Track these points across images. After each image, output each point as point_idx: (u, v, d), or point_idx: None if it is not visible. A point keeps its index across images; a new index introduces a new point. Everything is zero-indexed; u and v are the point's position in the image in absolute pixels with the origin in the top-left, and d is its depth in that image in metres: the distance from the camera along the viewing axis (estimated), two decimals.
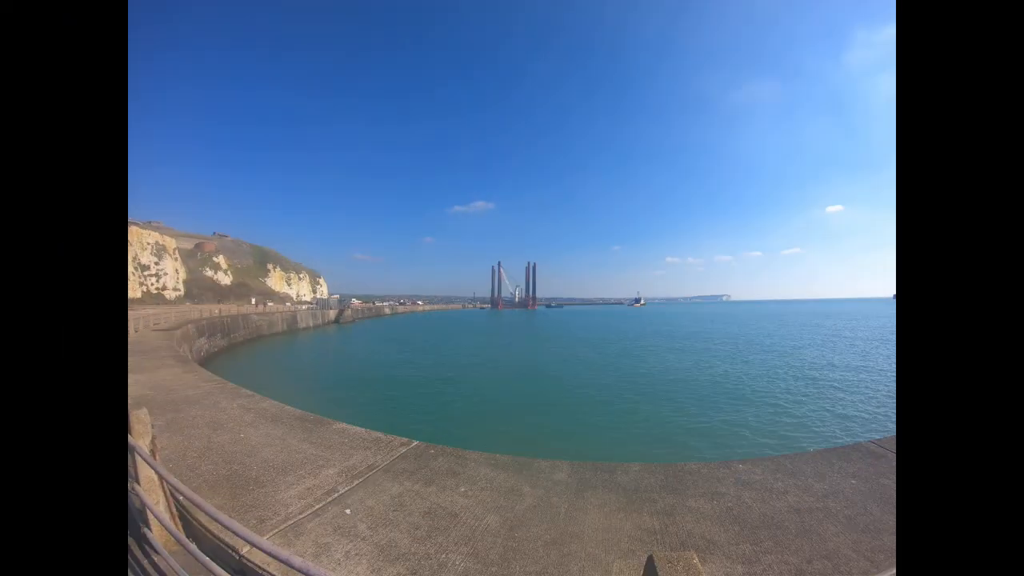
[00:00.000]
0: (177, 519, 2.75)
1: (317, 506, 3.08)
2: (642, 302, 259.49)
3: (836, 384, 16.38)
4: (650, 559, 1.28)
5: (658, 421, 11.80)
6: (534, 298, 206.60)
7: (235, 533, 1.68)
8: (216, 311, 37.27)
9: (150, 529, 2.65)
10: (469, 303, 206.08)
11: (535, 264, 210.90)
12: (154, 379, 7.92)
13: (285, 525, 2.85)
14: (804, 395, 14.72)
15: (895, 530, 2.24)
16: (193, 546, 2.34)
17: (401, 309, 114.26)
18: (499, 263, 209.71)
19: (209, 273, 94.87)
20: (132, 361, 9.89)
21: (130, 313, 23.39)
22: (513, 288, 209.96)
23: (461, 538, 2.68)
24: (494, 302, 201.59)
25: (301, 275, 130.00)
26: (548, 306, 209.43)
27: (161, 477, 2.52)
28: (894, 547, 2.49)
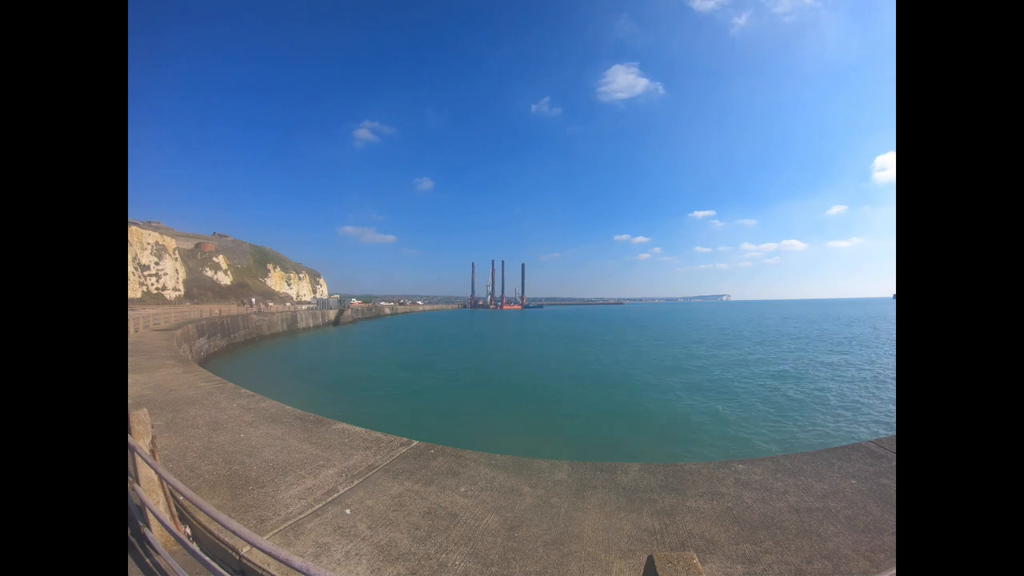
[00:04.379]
0: (177, 519, 2.75)
1: (317, 506, 3.08)
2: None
3: None
4: (650, 559, 1.27)
5: None
6: (504, 297, 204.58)
7: (235, 533, 1.68)
8: (217, 311, 37.27)
9: (150, 529, 2.65)
10: (468, 303, 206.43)
11: (504, 261, 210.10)
12: (154, 379, 7.91)
13: (285, 525, 2.84)
14: None
15: (895, 530, 2.24)
16: (193, 546, 2.34)
17: (401, 309, 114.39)
18: (474, 264, 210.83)
19: (209, 273, 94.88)
20: (132, 361, 9.89)
21: (130, 313, 23.38)
22: (489, 288, 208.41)
23: (461, 538, 2.68)
24: (474, 303, 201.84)
25: (301, 275, 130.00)
26: (528, 306, 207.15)
27: (161, 477, 2.52)
28: (894, 547, 2.49)
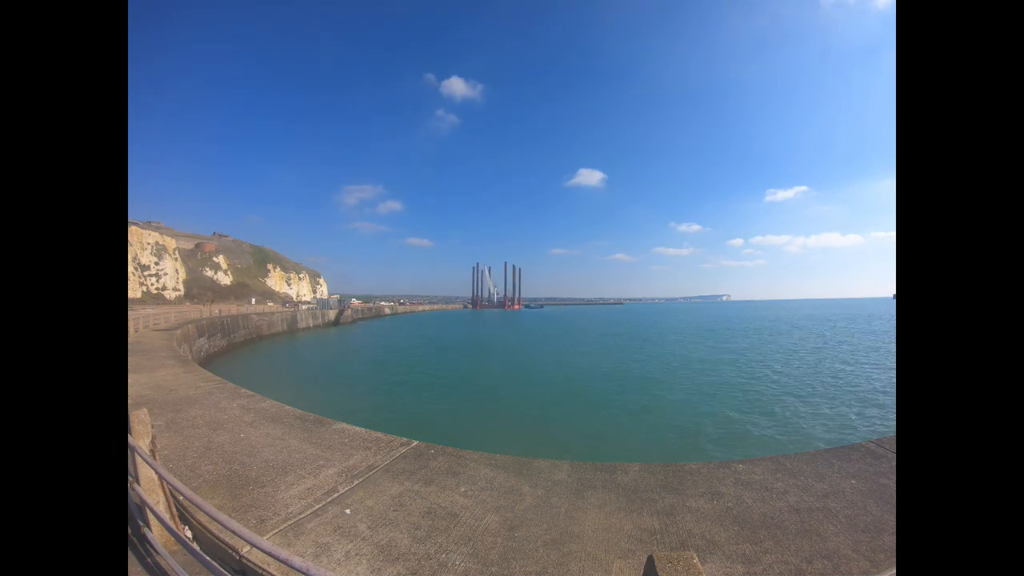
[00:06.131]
0: (177, 519, 2.75)
1: (317, 506, 3.08)
2: None
3: None
4: (650, 559, 1.28)
5: None
6: (515, 298, 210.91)
7: (235, 533, 1.68)
8: (217, 311, 37.29)
9: (150, 529, 2.65)
10: (468, 304, 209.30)
11: (515, 266, 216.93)
12: (154, 379, 7.91)
13: (285, 525, 2.85)
14: None
15: (895, 530, 2.24)
16: (193, 546, 2.34)
17: (401, 309, 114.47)
18: (478, 264, 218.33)
19: (209, 273, 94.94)
20: (132, 361, 9.89)
21: (130, 313, 23.37)
22: (493, 288, 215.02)
23: (461, 538, 2.68)
24: (475, 302, 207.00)
25: (301, 275, 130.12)
26: (528, 306, 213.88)
27: (161, 477, 2.52)
28: (894, 547, 2.49)
